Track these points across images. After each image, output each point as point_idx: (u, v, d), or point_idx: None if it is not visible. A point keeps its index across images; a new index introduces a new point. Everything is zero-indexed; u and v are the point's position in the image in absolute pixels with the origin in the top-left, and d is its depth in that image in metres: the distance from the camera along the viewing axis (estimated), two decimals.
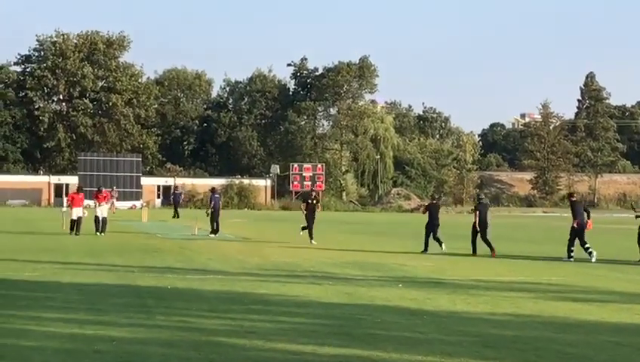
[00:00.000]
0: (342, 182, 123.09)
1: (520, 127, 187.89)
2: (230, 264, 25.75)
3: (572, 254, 29.93)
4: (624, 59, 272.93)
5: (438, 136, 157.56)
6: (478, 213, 32.17)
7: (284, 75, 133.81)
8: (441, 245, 32.17)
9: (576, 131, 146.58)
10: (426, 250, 31.93)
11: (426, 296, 18.39)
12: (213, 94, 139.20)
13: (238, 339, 12.76)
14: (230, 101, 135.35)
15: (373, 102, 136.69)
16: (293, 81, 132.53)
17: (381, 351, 12.00)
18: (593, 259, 29.58)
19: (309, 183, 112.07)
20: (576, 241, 29.97)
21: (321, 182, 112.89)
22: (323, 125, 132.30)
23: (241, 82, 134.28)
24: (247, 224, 57.28)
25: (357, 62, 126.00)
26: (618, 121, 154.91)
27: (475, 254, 31.35)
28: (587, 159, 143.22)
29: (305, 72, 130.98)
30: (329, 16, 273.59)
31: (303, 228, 37.81)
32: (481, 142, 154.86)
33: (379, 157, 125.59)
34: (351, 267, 25.44)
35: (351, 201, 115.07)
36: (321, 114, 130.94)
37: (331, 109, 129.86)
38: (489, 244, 31.45)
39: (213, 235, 40.42)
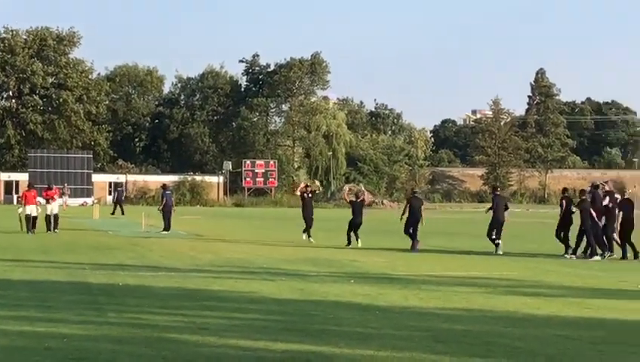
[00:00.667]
0: (294, 178, 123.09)
1: (471, 123, 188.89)
2: (183, 261, 25.70)
3: (498, 242, 30.84)
4: (574, 56, 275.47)
5: (390, 132, 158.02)
6: (409, 206, 32.53)
7: (236, 71, 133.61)
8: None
9: (526, 127, 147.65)
10: (414, 246, 31.65)
11: (378, 292, 18.46)
12: (165, 91, 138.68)
13: (191, 336, 12.75)
14: (182, 97, 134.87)
15: (325, 98, 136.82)
16: (245, 78, 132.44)
17: (333, 346, 12.06)
18: (500, 252, 30.38)
19: (262, 180, 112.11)
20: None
21: (274, 178, 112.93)
22: (275, 121, 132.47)
23: (193, 78, 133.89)
24: (200, 221, 57.16)
25: (309, 58, 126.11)
26: (568, 117, 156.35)
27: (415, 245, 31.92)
28: (538, 155, 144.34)
29: (257, 68, 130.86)
30: (281, 12, 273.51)
31: (305, 231, 36.02)
32: (432, 139, 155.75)
33: (331, 153, 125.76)
34: (304, 263, 25.48)
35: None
36: (273, 110, 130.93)
37: (283, 106, 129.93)
38: (413, 237, 32.15)
39: (165, 232, 40.31)
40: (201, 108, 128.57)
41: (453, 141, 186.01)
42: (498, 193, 33.25)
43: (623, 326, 14.45)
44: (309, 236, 35.61)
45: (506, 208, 31.92)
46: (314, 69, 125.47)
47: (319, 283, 20.23)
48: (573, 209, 30.45)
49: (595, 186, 30.68)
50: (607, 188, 30.71)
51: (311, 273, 22.52)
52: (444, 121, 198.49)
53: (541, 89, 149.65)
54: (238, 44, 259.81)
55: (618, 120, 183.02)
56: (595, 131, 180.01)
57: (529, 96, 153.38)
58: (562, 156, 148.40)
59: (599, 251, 29.26)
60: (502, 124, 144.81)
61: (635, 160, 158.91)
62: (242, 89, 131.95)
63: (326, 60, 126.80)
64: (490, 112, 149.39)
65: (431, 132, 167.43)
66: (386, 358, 11.37)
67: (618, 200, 29.96)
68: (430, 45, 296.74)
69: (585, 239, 29.78)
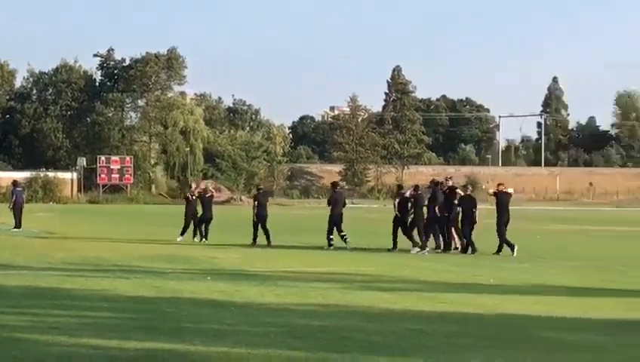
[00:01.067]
0: (151, 174, 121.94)
1: (329, 119, 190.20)
2: (35, 259, 25.18)
3: (332, 242, 31.22)
4: (429, 54, 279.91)
5: (248, 128, 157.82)
6: (256, 203, 32.78)
7: (90, 65, 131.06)
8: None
9: (383, 124, 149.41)
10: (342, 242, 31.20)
11: (234, 288, 18.43)
12: (17, 85, 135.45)
13: (41, 335, 12.50)
14: (34, 92, 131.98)
15: (182, 93, 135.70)
16: (99, 72, 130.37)
17: (188, 343, 11.96)
18: (349, 247, 30.78)
19: (117, 176, 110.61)
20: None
21: (130, 175, 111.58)
22: (131, 117, 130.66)
23: (46, 73, 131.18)
24: (53, 218, 56.10)
25: (165, 53, 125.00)
26: (423, 114, 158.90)
27: (254, 243, 32.20)
28: (394, 151, 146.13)
29: (112, 62, 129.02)
30: (137, 5, 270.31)
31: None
32: (291, 135, 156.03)
33: (188, 149, 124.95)
34: (159, 260, 25.26)
35: (160, 194, 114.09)
36: (129, 105, 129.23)
37: (139, 101, 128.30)
38: (267, 234, 32.43)
39: (16, 230, 39.43)
40: (54, 103, 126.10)
41: (312, 137, 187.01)
42: (337, 190, 33.69)
43: (475, 320, 14.75)
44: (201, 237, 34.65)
45: (344, 204, 32.43)
46: (170, 64, 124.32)
47: (175, 280, 20.09)
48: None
49: (435, 183, 31.36)
50: (449, 183, 31.43)
51: (167, 270, 22.34)
52: (302, 118, 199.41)
53: (397, 86, 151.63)
54: (92, 39, 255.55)
55: (472, 117, 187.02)
56: (450, 128, 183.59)
57: (386, 93, 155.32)
58: (418, 152, 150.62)
59: (420, 245, 29.98)
60: (359, 120, 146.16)
61: (488, 156, 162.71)
62: (97, 84, 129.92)
63: (183, 55, 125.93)
64: (348, 109, 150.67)
65: (289, 128, 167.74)
66: (242, 355, 11.34)
67: (459, 197, 30.61)
68: (288, 41, 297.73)
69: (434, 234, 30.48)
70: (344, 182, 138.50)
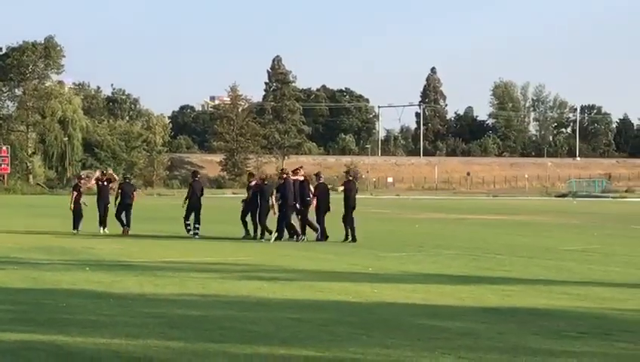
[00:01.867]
0: (28, 164, 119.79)
1: (210, 109, 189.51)
2: None
3: (189, 228, 31.80)
4: (309, 44, 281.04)
5: (127, 118, 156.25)
6: (120, 191, 33.84)
7: None
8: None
9: (264, 114, 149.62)
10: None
11: (113, 279, 18.27)
12: None
13: None
14: None
15: (60, 83, 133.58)
16: None
17: (65, 335, 11.82)
18: (197, 236, 31.21)
19: None
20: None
21: (7, 165, 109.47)
22: (8, 106, 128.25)
23: None
24: None
25: (42, 41, 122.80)
26: (303, 104, 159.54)
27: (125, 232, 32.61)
28: (275, 141, 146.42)
29: None
30: None
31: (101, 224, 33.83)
32: (171, 124, 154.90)
33: (67, 139, 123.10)
34: (37, 251, 24.89)
35: (38, 184, 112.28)
36: (5, 94, 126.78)
37: (17, 90, 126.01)
38: (121, 222, 33.05)
39: None
40: None
41: (192, 127, 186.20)
42: (197, 179, 34.40)
43: (352, 309, 14.88)
44: (104, 227, 33.98)
45: (202, 193, 32.95)
46: (48, 52, 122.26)
47: (52, 271, 19.82)
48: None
49: (292, 172, 31.92)
50: (301, 172, 31.94)
51: (44, 261, 22.03)
52: (182, 107, 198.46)
53: (278, 76, 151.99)
54: None
55: (352, 107, 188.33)
56: (330, 118, 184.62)
57: (266, 83, 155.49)
58: (298, 142, 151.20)
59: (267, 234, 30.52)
60: (240, 110, 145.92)
61: (367, 146, 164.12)
62: None
63: (60, 44, 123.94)
64: (229, 99, 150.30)
65: (169, 118, 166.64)
66: (120, 345, 11.25)
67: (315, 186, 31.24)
68: (167, 29, 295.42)
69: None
70: (224, 172, 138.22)
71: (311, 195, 30.85)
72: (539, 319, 13.98)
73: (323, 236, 30.44)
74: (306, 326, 13.04)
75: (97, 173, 37.70)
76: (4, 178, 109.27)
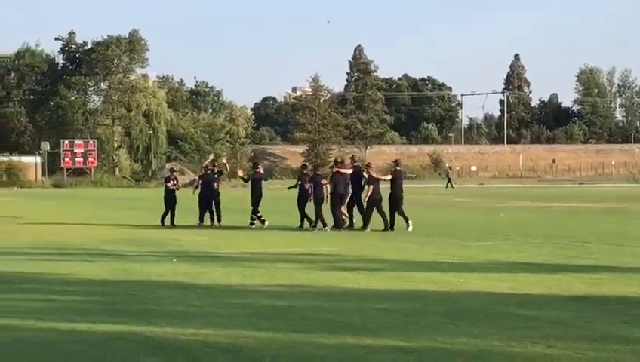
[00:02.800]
0: (114, 157, 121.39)
1: (292, 100, 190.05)
2: None
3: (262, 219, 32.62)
4: (391, 33, 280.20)
5: (211, 110, 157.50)
6: (200, 181, 34.34)
7: (52, 49, 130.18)
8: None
9: (346, 104, 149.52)
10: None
11: (200, 270, 18.45)
12: None
13: (8, 320, 12.47)
14: None
15: (144, 76, 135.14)
16: (61, 56, 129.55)
17: (155, 326, 11.99)
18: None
19: (81, 160, 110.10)
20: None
21: (93, 158, 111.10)
22: (94, 100, 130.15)
23: (7, 57, 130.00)
24: (17, 202, 55.80)
25: (127, 36, 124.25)
26: (385, 94, 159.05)
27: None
28: (357, 131, 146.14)
29: (73, 46, 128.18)
30: None
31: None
32: (253, 116, 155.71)
33: (152, 132, 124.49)
34: (125, 243, 25.22)
35: (124, 177, 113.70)
36: (91, 89, 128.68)
37: (102, 84, 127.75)
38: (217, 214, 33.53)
39: None
40: (17, 87, 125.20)
41: (274, 118, 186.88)
42: (258, 170, 34.88)
43: (438, 298, 14.83)
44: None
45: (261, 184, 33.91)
46: (132, 46, 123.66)
47: (141, 263, 20.08)
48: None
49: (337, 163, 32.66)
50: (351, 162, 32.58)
51: (132, 253, 22.32)
52: (264, 99, 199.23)
53: (359, 66, 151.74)
54: (53, 22, 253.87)
55: (434, 96, 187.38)
56: (412, 107, 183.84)
57: (348, 73, 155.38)
58: (381, 132, 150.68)
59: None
60: (322, 100, 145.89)
61: (451, 135, 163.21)
62: (59, 67, 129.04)
63: (144, 38, 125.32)
64: (310, 89, 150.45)
65: (252, 110, 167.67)
66: (209, 336, 11.38)
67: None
68: (250, 22, 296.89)
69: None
70: (308, 163, 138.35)
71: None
72: (630, 308, 13.79)
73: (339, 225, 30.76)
74: (393, 315, 13.04)
75: (210, 157, 37.42)
76: (91, 171, 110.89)
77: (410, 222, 30.37)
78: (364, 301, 14.37)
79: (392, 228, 30.29)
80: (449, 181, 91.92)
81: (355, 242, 25.96)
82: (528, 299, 14.69)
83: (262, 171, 35.12)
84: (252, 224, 32.29)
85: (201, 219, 33.22)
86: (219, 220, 33.20)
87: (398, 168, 32.10)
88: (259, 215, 32.68)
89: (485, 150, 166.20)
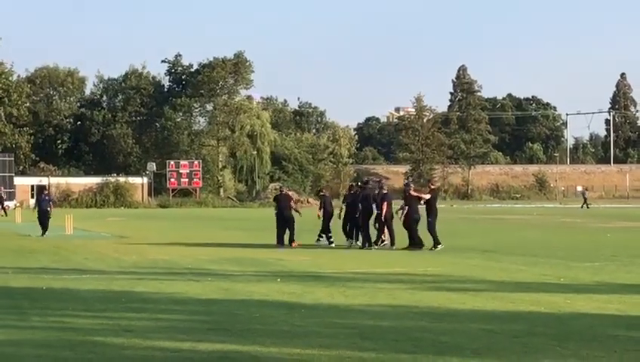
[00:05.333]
0: (219, 178, 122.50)
1: (394, 120, 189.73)
2: (107, 263, 25.46)
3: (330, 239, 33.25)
4: (494, 52, 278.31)
5: (314, 130, 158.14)
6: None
7: (158, 71, 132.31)
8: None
9: (449, 124, 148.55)
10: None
11: (303, 290, 18.46)
12: (87, 92, 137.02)
13: (116, 338, 12.62)
14: (104, 98, 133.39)
15: (249, 97, 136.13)
16: (167, 78, 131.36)
17: (259, 345, 12.02)
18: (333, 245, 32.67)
19: (186, 180, 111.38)
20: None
21: (198, 178, 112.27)
22: (199, 121, 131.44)
23: (115, 79, 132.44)
24: (124, 222, 56.66)
25: (232, 57, 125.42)
26: (489, 113, 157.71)
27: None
28: (460, 151, 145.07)
29: (179, 68, 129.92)
30: (203, 10, 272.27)
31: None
32: (357, 136, 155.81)
33: (256, 152, 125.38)
34: (229, 263, 25.40)
35: (229, 197, 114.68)
36: (197, 110, 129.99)
37: (207, 105, 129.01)
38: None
39: (42, 236, 39.60)
40: (123, 110, 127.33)
41: (377, 138, 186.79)
42: (323, 193, 36.18)
43: (545, 320, 14.60)
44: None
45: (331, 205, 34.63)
46: (237, 68, 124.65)
47: (244, 282, 20.18)
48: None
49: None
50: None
51: (236, 273, 22.46)
52: (367, 119, 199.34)
53: (463, 85, 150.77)
54: (160, 44, 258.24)
55: (538, 115, 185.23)
56: (517, 127, 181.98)
57: (451, 93, 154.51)
58: (484, 152, 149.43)
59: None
60: (425, 120, 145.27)
61: (556, 155, 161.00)
62: (165, 89, 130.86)
63: (249, 59, 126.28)
64: (413, 109, 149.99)
65: (355, 130, 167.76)
66: (313, 356, 11.36)
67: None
68: (353, 43, 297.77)
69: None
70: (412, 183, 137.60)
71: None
72: None
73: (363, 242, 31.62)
74: (499, 337, 12.87)
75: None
76: (196, 191, 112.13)
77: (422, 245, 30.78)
78: (470, 322, 14.22)
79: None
80: (585, 201, 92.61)
81: (460, 262, 25.75)
82: (637, 321, 14.37)
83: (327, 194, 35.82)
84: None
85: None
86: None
87: (433, 187, 32.60)
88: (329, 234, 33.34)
89: (591, 170, 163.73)
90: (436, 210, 31.42)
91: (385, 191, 32.14)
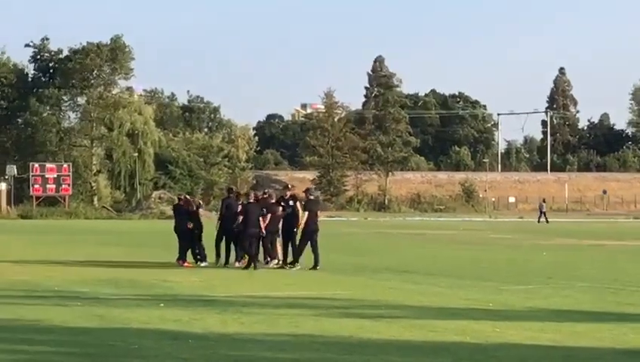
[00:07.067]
0: (93, 184, 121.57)
1: (301, 118, 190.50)
2: None
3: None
4: (415, 42, 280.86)
5: (206, 129, 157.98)
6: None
7: (21, 58, 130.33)
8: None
9: (364, 123, 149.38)
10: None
11: (192, 317, 18.42)
12: None
13: None
14: None
15: (129, 89, 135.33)
16: (32, 65, 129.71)
17: None
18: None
19: (54, 186, 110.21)
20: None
21: (68, 185, 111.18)
22: (69, 117, 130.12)
23: None
24: None
25: (108, 42, 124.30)
26: (410, 112, 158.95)
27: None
28: (377, 155, 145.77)
29: (46, 54, 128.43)
30: None
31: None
32: (256, 137, 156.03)
33: (137, 155, 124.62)
34: (104, 285, 25.21)
35: (104, 207, 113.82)
36: (67, 104, 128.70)
37: (79, 98, 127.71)
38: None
39: None
40: None
41: (281, 140, 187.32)
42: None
43: (470, 351, 14.78)
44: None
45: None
46: (115, 55, 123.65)
47: (122, 307, 20.06)
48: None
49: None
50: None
51: (112, 296, 22.31)
52: (269, 117, 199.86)
53: (379, 79, 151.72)
54: (23, 25, 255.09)
55: (466, 115, 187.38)
56: (441, 128, 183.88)
57: (366, 88, 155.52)
58: (404, 156, 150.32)
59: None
60: (336, 119, 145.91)
61: (485, 161, 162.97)
62: (29, 78, 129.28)
63: (129, 45, 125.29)
64: (323, 106, 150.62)
65: (254, 129, 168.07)
66: None
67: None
68: (252, 29, 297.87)
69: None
70: (319, 191, 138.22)
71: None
72: None
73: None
74: None
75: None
76: (65, 200, 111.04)
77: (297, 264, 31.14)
78: (385, 354, 14.34)
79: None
80: (542, 214, 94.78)
81: (374, 285, 25.93)
82: (574, 353, 14.64)
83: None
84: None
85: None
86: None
87: (311, 197, 32.52)
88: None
89: (525, 178, 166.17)
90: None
91: (272, 201, 32.19)
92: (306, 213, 31.15)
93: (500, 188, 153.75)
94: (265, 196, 32.84)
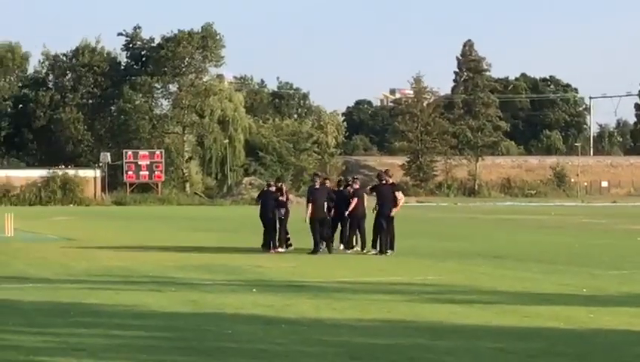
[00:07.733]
0: (185, 171, 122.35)
1: (390, 104, 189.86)
2: (53, 270, 25.42)
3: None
4: (506, 25, 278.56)
5: (295, 115, 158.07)
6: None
7: (114, 46, 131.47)
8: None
9: (453, 108, 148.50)
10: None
11: (284, 302, 18.46)
12: (30, 70, 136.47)
13: (64, 358, 12.61)
14: (50, 77, 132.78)
15: (220, 77, 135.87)
16: (125, 54, 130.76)
17: None
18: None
19: (146, 173, 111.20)
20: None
21: (161, 171, 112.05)
22: (162, 105, 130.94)
23: (63, 55, 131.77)
24: (73, 222, 56.60)
25: (199, 30, 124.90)
26: (500, 96, 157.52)
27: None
28: (466, 140, 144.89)
29: (139, 42, 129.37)
30: None
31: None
32: (345, 123, 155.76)
33: (227, 141, 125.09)
34: (197, 270, 25.39)
35: (196, 193, 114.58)
36: (159, 91, 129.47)
37: (171, 86, 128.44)
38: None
39: None
40: (73, 90, 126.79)
41: (369, 125, 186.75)
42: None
43: (564, 337, 14.66)
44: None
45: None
46: (206, 42, 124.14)
47: (215, 293, 20.17)
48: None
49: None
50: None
51: (205, 281, 22.44)
52: (358, 102, 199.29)
53: (469, 64, 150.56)
54: (116, 15, 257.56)
55: (557, 98, 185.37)
56: (532, 112, 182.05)
57: (455, 73, 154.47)
58: (494, 141, 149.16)
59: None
60: (425, 104, 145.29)
61: (577, 144, 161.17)
62: (122, 67, 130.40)
63: (219, 32, 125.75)
64: (412, 91, 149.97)
65: (343, 115, 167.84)
66: None
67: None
68: (341, 15, 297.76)
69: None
70: (408, 177, 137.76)
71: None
72: None
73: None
74: (511, 357, 12.92)
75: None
76: (157, 186, 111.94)
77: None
78: (477, 339, 14.26)
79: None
80: None
81: (464, 270, 25.81)
82: None
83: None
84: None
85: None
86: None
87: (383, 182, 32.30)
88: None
89: (618, 162, 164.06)
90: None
91: (356, 187, 32.23)
92: (355, 198, 31.48)
93: (593, 173, 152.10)
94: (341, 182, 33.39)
